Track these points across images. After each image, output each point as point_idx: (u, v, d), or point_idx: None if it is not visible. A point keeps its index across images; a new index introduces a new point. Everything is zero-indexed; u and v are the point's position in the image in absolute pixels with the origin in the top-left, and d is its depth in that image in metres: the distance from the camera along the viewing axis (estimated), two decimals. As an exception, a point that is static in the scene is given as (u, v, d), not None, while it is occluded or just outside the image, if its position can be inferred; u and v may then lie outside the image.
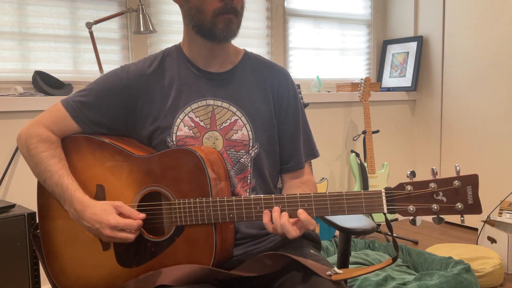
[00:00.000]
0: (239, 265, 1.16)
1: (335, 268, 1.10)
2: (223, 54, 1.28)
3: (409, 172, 1.03)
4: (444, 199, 1.00)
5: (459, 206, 0.99)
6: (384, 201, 1.02)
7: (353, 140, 3.53)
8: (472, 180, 0.99)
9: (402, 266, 2.56)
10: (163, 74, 1.27)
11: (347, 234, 1.36)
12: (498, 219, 2.79)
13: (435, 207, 1.00)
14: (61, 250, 1.24)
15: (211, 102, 1.25)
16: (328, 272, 1.09)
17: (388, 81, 3.81)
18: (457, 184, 0.99)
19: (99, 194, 1.21)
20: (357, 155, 3.24)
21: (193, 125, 1.24)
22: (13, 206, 1.76)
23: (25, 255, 1.68)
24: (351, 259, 2.51)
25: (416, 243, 3.18)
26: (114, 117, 1.25)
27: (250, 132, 1.26)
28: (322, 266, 1.12)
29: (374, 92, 3.53)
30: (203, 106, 1.25)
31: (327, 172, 3.45)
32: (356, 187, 3.22)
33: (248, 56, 1.34)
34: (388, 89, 3.74)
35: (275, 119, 1.30)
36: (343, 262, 1.38)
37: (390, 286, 2.18)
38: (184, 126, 1.24)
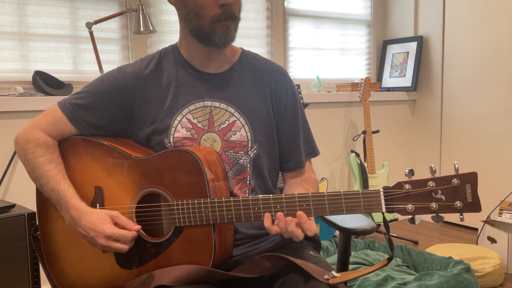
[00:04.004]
0: (238, 266, 1.16)
1: (333, 272, 1.09)
2: (220, 56, 1.27)
3: (407, 171, 1.02)
4: (443, 197, 1.00)
5: (458, 205, 0.99)
6: (383, 200, 1.02)
7: (353, 140, 3.53)
8: (471, 178, 0.98)
9: (402, 266, 2.56)
10: (160, 75, 1.26)
11: (347, 234, 1.35)
12: (498, 219, 2.79)
13: (434, 206, 1.00)
14: (61, 251, 1.24)
15: (208, 103, 1.25)
16: (326, 276, 1.08)
17: (388, 81, 3.81)
18: (456, 182, 0.98)
19: (98, 196, 1.21)
20: (357, 155, 3.24)
21: (190, 126, 1.23)
22: (13, 206, 1.75)
23: (25, 255, 1.68)
24: (351, 259, 2.51)
25: (416, 243, 3.18)
26: (111, 119, 1.24)
27: (249, 133, 1.25)
28: (320, 270, 1.11)
29: (374, 92, 3.53)
30: (201, 108, 1.24)
31: (327, 172, 3.45)
32: (356, 187, 3.22)
33: (245, 55, 1.33)
34: (388, 89, 3.74)
35: (274, 118, 1.29)
36: (343, 262, 1.38)
37: (390, 286, 2.18)
38: (182, 128, 1.23)
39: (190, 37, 1.23)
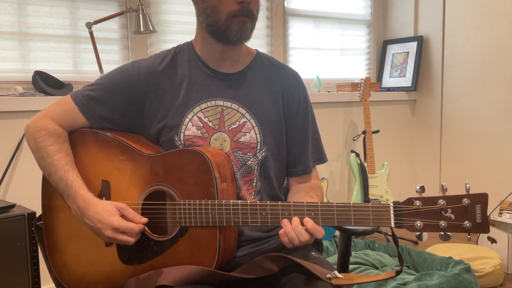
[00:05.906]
0: (240, 266, 1.16)
1: (336, 272, 1.09)
2: (235, 55, 1.27)
3: (418, 187, 1.02)
4: (452, 216, 1.00)
5: (467, 224, 0.99)
6: (392, 215, 1.02)
7: (353, 140, 3.53)
8: (481, 199, 0.99)
9: (402, 266, 2.55)
10: (174, 71, 1.26)
11: (348, 234, 1.36)
12: (498, 219, 2.79)
13: (443, 224, 1.00)
14: (63, 243, 1.24)
15: (220, 102, 1.24)
16: (328, 275, 1.08)
17: (388, 81, 3.81)
18: (466, 202, 0.99)
19: (104, 190, 1.21)
20: (357, 155, 3.24)
21: (201, 125, 1.23)
22: (13, 206, 1.75)
23: (25, 255, 1.68)
24: (351, 259, 2.51)
25: (416, 243, 3.18)
26: (122, 112, 1.24)
27: (258, 135, 1.25)
28: (322, 269, 1.11)
29: (374, 92, 3.53)
30: (212, 107, 1.24)
31: (327, 172, 3.45)
32: (356, 187, 3.22)
33: (259, 57, 1.33)
34: (388, 89, 3.74)
35: (284, 122, 1.29)
36: (343, 263, 1.38)
37: (390, 286, 2.18)
38: (193, 126, 1.23)
39: (205, 33, 1.23)
